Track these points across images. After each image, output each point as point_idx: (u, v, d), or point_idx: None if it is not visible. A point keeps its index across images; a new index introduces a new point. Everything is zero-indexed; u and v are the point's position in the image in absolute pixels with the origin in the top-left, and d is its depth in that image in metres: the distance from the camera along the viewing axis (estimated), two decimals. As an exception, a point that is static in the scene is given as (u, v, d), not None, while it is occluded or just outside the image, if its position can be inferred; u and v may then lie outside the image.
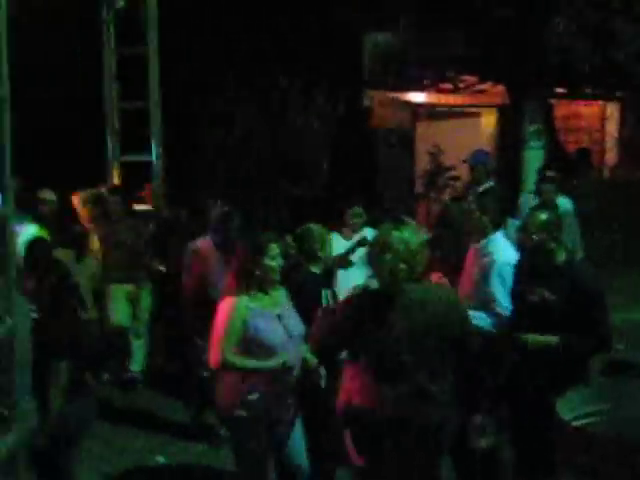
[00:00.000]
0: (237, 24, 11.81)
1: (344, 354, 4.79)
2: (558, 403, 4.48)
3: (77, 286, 5.92)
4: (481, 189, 8.22)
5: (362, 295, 4.65)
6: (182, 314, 7.20)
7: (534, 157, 12.05)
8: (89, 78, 10.42)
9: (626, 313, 8.91)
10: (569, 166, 11.77)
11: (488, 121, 14.58)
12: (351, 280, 6.21)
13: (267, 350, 4.94)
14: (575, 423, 4.43)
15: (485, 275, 5.74)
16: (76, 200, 8.38)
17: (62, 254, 6.71)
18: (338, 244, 7.11)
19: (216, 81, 11.65)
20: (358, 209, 7.48)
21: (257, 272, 5.01)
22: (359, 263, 6.93)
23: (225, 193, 8.40)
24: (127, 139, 10.16)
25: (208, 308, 5.42)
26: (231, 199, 8.30)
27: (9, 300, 4.56)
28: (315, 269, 6.00)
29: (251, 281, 5.02)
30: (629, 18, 10.83)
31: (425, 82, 13.58)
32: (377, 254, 4.45)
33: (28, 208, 7.69)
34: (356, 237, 7.27)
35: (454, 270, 5.99)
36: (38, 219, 7.79)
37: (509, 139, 13.39)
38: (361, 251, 6.94)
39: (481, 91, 14.00)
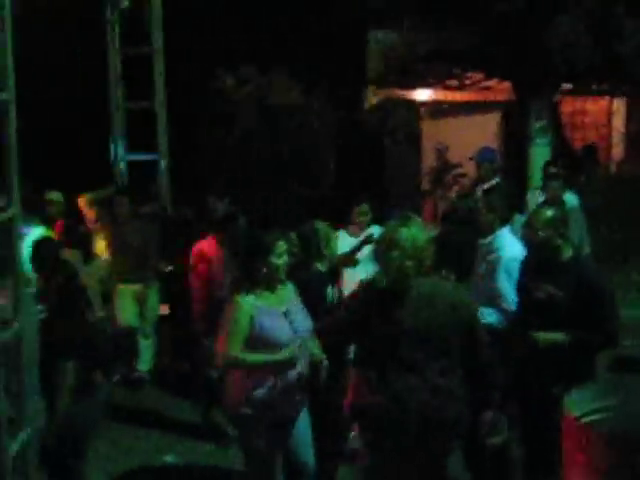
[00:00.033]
0: (237, 24, 11.83)
1: (351, 354, 4.79)
2: (565, 400, 4.48)
3: (84, 286, 5.94)
4: (487, 186, 8.21)
5: (368, 290, 4.65)
6: (189, 314, 7.20)
7: (540, 154, 12.02)
8: (94, 78, 10.43)
9: (633, 309, 8.87)
10: (575, 162, 11.75)
11: (494, 118, 14.55)
12: (357, 278, 6.21)
13: (273, 347, 4.93)
14: (582, 420, 4.42)
15: (492, 271, 5.74)
16: (82, 201, 8.40)
17: (69, 255, 6.73)
18: (345, 242, 7.11)
19: (216, 81, 11.68)
20: (365, 207, 7.48)
21: (263, 270, 5.01)
22: (365, 260, 6.92)
23: (226, 192, 8.38)
24: (133, 139, 10.17)
25: (214, 307, 5.42)
26: (233, 199, 8.31)
27: (17, 302, 4.58)
28: (320, 267, 6.00)
29: (257, 279, 5.03)
30: (632, 12, 10.80)
31: (430, 80, 13.58)
32: (384, 251, 4.45)
33: (35, 210, 7.72)
34: (363, 235, 7.27)
35: (461, 267, 5.99)
36: (45, 220, 7.81)
37: (515, 136, 13.37)
38: (367, 248, 6.93)
39: (487, 88, 13.98)
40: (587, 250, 8.39)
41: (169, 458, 6.79)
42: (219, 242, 7.01)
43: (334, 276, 6.27)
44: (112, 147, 10.19)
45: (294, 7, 11.98)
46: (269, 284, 5.06)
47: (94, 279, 7.30)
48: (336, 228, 6.42)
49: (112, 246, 8.17)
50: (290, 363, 4.93)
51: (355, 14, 12.10)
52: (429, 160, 13.36)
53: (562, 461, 4.49)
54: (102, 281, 7.59)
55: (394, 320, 4.37)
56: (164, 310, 8.74)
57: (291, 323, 5.01)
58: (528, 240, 5.43)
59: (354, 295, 4.77)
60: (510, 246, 5.80)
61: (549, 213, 5.26)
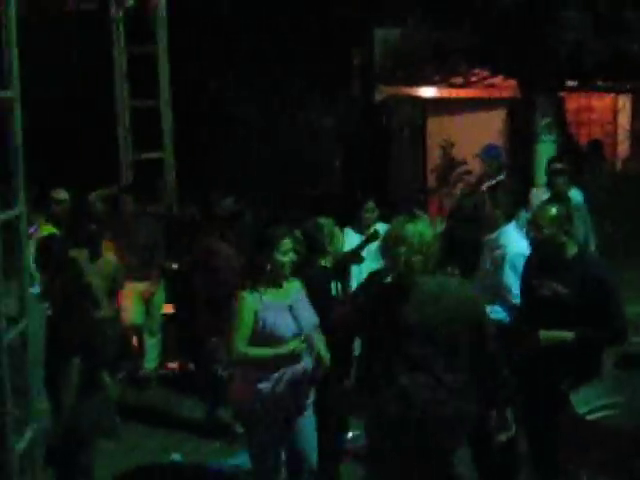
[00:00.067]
0: (238, 24, 11.83)
1: (356, 352, 4.79)
2: (572, 397, 4.47)
3: (90, 285, 5.94)
4: (493, 183, 8.20)
5: (374, 286, 4.66)
6: (194, 312, 7.20)
7: (546, 150, 11.99)
8: (99, 77, 10.43)
9: (640, 306, 8.85)
10: (581, 159, 11.72)
11: (499, 115, 14.53)
12: (363, 274, 6.22)
13: (277, 342, 4.94)
14: (590, 417, 4.42)
15: (498, 267, 5.74)
16: (89, 200, 8.40)
17: (76, 254, 6.72)
18: (352, 239, 7.11)
19: (219, 80, 11.69)
20: (371, 204, 7.50)
21: (268, 267, 5.01)
22: (370, 257, 6.92)
23: (228, 192, 8.39)
24: (138, 137, 10.17)
25: (221, 305, 5.42)
26: (236, 198, 8.32)
27: (22, 301, 4.58)
28: (324, 263, 5.99)
29: (262, 276, 5.03)
30: (638, 7, 10.77)
31: (436, 77, 13.57)
32: (391, 247, 4.45)
33: (41, 208, 7.72)
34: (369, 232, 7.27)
35: (466, 263, 5.98)
36: (51, 219, 7.82)
37: (520, 133, 13.35)
38: (373, 245, 6.93)
39: (492, 85, 13.97)
40: (593, 247, 8.37)
41: (176, 456, 6.79)
42: (225, 238, 7.02)
43: (339, 272, 6.26)
44: (118, 145, 10.19)
45: (295, 7, 11.97)
46: (274, 280, 5.06)
47: (100, 276, 7.29)
48: (342, 225, 6.41)
49: (118, 243, 8.17)
50: (295, 357, 4.93)
51: (357, 13, 12.09)
52: (434, 157, 13.34)
53: (568, 458, 4.49)
54: (107, 277, 7.56)
55: (400, 315, 4.37)
56: (169, 309, 8.74)
57: (296, 318, 5.02)
58: (532, 237, 5.42)
59: (360, 290, 4.77)
60: (516, 242, 5.80)
61: (554, 210, 5.24)
